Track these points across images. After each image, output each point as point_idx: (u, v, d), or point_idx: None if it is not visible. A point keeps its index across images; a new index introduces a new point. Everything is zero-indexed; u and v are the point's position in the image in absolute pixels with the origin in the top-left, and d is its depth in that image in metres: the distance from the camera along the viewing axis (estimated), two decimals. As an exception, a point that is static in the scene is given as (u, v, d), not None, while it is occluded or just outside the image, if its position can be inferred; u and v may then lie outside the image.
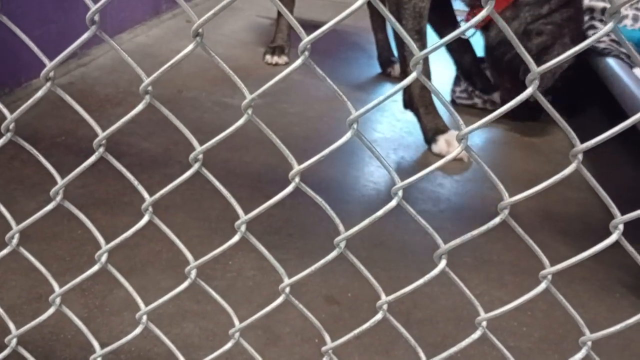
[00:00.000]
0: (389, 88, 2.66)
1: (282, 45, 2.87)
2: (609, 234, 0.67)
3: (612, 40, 2.11)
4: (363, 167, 1.97)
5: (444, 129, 2.12)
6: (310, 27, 3.51)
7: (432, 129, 2.13)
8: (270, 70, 2.74)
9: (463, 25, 0.65)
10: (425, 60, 1.95)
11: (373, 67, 2.85)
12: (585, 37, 2.22)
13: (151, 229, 0.78)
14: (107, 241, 0.77)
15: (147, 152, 1.91)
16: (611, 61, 2.00)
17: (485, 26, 2.31)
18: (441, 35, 2.44)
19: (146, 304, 0.82)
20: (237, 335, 0.76)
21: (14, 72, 2.18)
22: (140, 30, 3.02)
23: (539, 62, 0.62)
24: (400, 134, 2.24)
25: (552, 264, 0.70)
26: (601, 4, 2.32)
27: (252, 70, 2.71)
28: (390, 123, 2.32)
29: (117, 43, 2.81)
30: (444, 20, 2.46)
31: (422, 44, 2.07)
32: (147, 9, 3.10)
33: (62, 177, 0.75)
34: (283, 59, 2.84)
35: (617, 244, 0.67)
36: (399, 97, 2.25)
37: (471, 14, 2.34)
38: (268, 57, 2.84)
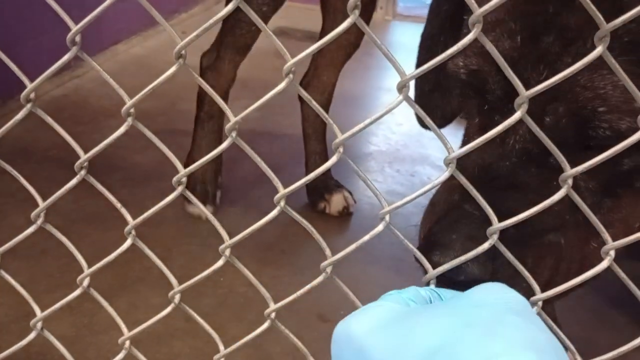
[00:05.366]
0: (383, 101, 2.65)
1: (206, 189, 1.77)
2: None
3: None
4: (356, 181, 1.95)
5: None
6: (305, 38, 3.44)
7: None
8: (266, 81, 2.72)
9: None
10: None
11: (368, 80, 2.84)
12: None
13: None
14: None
15: (140, 167, 1.89)
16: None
17: None
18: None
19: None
20: (222, 360, 0.74)
21: (7, 84, 2.16)
22: (136, 41, 3.01)
23: None
24: (395, 147, 2.22)
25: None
26: None
27: (248, 82, 2.69)
28: (386, 136, 2.31)
29: (113, 54, 2.81)
30: None
31: None
32: (143, 19, 3.10)
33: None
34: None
35: (616, 259, 0.66)
36: (396, 110, 2.23)
37: None
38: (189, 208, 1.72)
